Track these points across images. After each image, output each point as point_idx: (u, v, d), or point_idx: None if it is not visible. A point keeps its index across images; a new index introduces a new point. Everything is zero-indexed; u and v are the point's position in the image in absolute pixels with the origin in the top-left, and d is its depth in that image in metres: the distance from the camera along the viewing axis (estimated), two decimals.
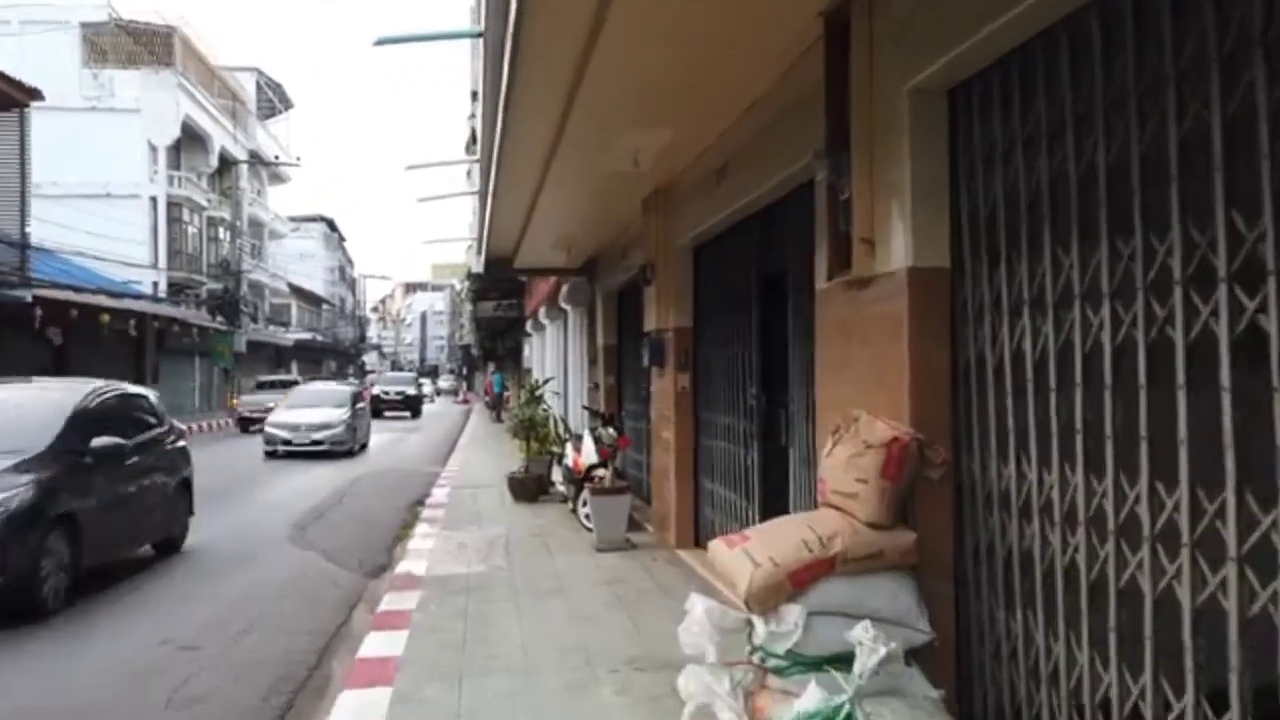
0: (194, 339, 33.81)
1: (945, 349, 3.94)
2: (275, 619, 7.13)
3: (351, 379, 50.41)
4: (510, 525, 10.51)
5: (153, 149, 35.12)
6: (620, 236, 11.42)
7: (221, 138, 40.40)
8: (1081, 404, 3.17)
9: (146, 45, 36.77)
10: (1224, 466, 2.55)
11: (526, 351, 26.96)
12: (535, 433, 13.25)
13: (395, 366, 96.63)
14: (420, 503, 12.90)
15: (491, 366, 42.03)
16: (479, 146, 8.28)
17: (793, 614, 3.59)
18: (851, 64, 4.24)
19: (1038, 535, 3.43)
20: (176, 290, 35.65)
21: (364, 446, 22.81)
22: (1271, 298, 2.40)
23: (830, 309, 4.74)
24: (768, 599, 3.60)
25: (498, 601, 7.02)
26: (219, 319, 36.92)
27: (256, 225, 47.27)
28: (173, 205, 36.00)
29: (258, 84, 47.67)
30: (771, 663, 3.66)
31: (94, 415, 8.13)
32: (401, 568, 8.37)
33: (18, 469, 7.03)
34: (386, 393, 40.37)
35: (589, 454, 10.17)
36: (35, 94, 22.16)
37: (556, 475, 12.33)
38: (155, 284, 33.96)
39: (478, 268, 17.05)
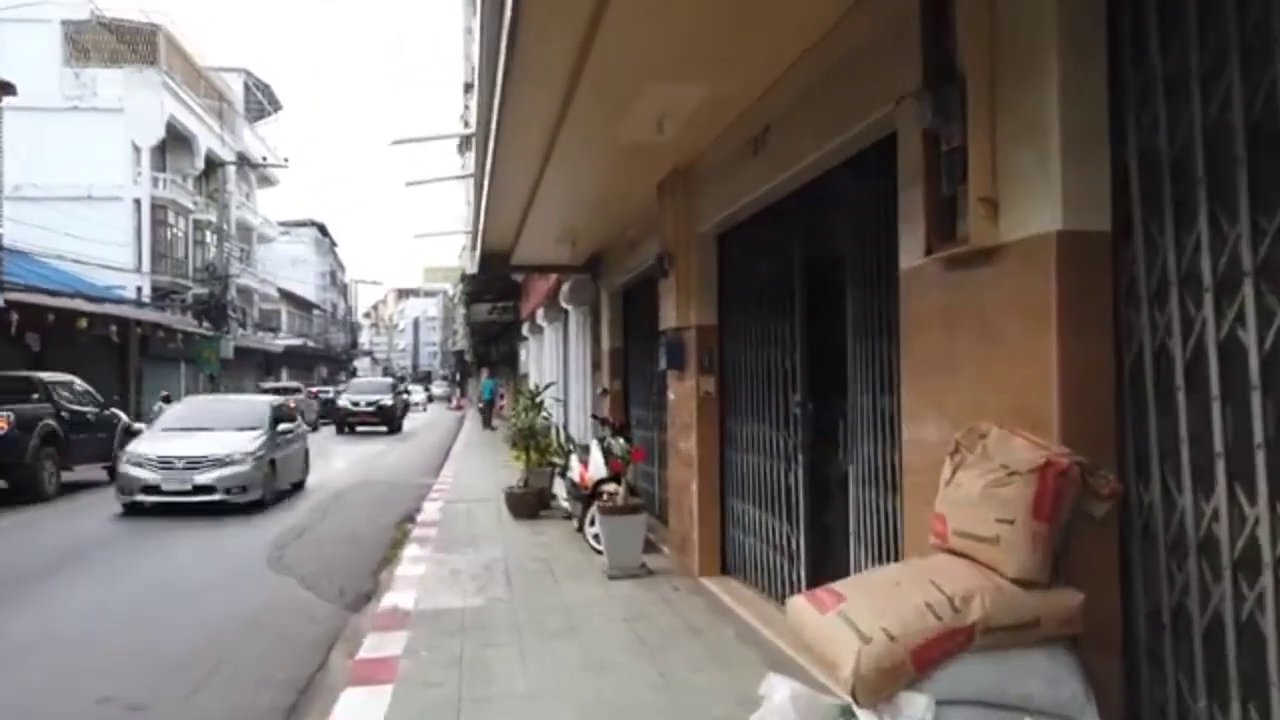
0: (179, 345, 32.74)
1: (1107, 341, 2.94)
2: (241, 665, 6.10)
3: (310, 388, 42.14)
4: (509, 546, 9.49)
5: (136, 150, 34.04)
6: (629, 228, 10.43)
7: (208, 139, 39.32)
8: None
9: (130, 43, 35.73)
10: None
11: (523, 356, 25.87)
12: (536, 443, 12.21)
13: (386, 372, 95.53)
14: (410, 519, 11.86)
15: (485, 372, 40.70)
16: (474, 113, 7.27)
17: (917, 706, 2.59)
18: None
19: (1255, 594, 2.44)
20: (162, 295, 34.62)
21: (298, 486, 15.44)
22: None
23: (923, 294, 3.75)
24: (882, 686, 2.60)
25: (499, 645, 5.99)
26: (205, 324, 35.83)
27: (245, 229, 46.18)
28: (157, 208, 34.95)
29: (245, 85, 46.65)
30: None
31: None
32: (388, 599, 7.34)
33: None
34: (355, 403, 32.49)
35: (597, 467, 9.16)
36: (8, 88, 21.12)
37: (559, 489, 11.32)
38: (139, 288, 32.95)
39: (472, 267, 16.00)
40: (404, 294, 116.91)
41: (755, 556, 6.84)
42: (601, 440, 9.35)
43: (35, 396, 14.77)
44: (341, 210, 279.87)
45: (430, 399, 63.18)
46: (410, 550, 9.38)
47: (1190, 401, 2.70)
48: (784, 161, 5.47)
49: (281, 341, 52.62)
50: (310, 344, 61.05)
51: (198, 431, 13.56)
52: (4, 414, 13.27)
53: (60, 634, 6.84)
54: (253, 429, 13.81)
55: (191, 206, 37.78)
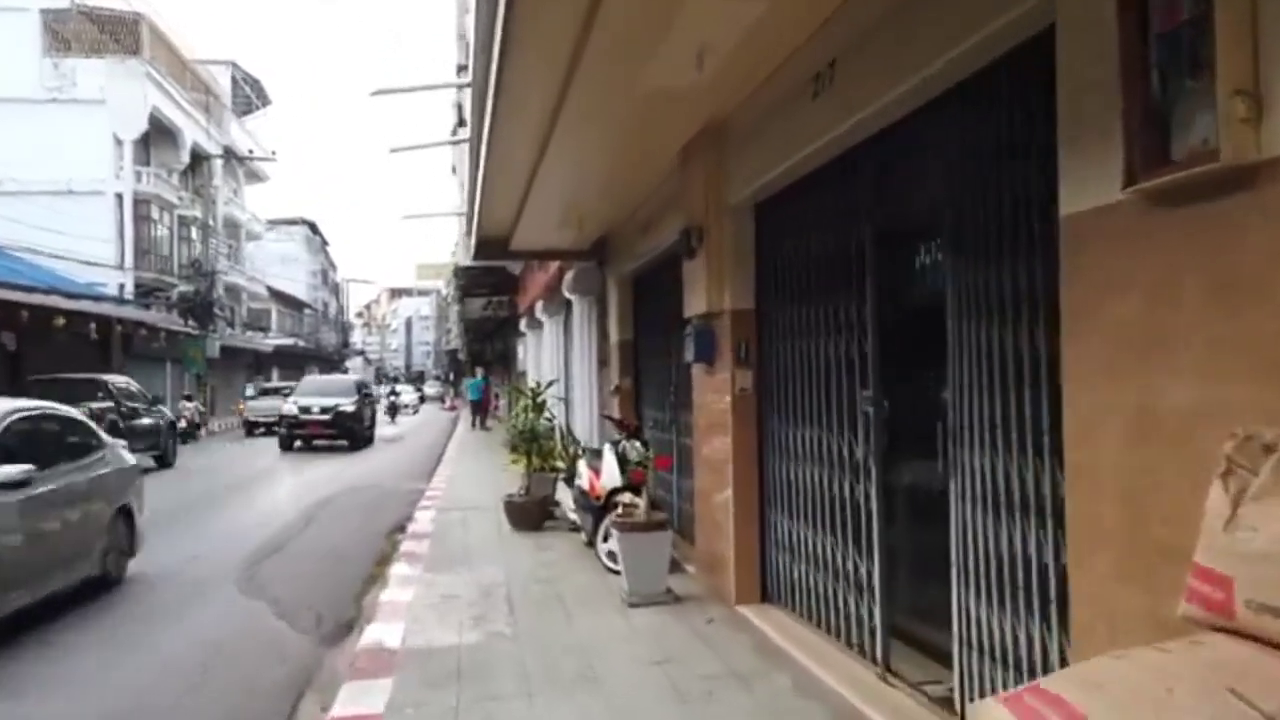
0: (163, 343, 31.52)
1: None
2: None
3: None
4: (511, 565, 8.39)
5: (118, 143, 32.82)
6: (641, 208, 9.34)
7: (194, 132, 38.07)
8: None
9: (112, 33, 34.56)
10: None
11: (520, 353, 24.60)
12: (538, 446, 11.09)
13: (380, 373, 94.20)
14: (400, 529, 10.79)
15: (480, 371, 39.36)
16: (471, 55, 6.17)
17: None
18: None
19: None
20: (145, 292, 33.40)
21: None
22: None
23: (1113, 245, 2.66)
24: None
25: (502, 698, 4.90)
26: (190, 323, 34.62)
27: (232, 225, 44.86)
28: (140, 202, 33.68)
29: (233, 78, 45.36)
30: None
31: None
32: (370, 634, 6.25)
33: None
34: (305, 409, 24.09)
35: (611, 475, 8.08)
36: None
37: (564, 496, 10.23)
38: (122, 285, 31.76)
39: (467, 256, 14.88)
40: (397, 293, 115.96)
41: (807, 584, 5.76)
42: (615, 444, 8.26)
43: (100, 395, 17.95)
44: (335, 210, 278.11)
45: (423, 399, 61.96)
46: (399, 569, 8.30)
47: None
48: (858, 101, 4.38)
49: (271, 341, 51.39)
50: (301, 344, 59.83)
51: None
52: None
53: None
54: None
55: (176, 201, 36.53)
